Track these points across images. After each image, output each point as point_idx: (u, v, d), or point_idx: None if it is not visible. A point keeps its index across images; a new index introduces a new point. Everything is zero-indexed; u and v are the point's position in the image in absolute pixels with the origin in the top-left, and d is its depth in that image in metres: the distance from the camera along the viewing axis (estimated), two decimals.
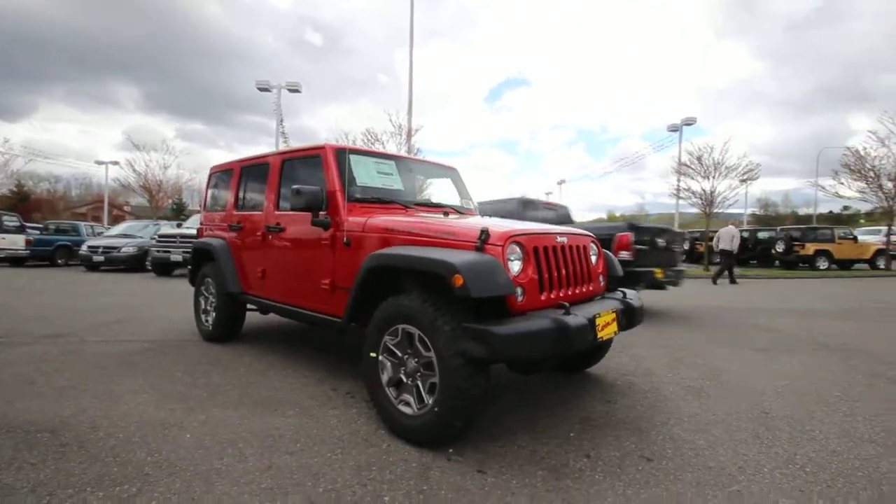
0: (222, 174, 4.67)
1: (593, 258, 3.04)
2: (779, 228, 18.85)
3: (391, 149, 15.47)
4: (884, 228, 22.93)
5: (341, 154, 3.27)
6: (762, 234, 19.32)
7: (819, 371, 3.74)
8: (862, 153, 15.26)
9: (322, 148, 3.29)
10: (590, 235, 3.09)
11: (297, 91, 20.89)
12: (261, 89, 20.62)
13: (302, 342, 4.52)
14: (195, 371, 3.50)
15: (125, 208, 48.16)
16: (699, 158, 15.18)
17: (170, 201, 28.77)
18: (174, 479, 1.98)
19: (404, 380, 2.42)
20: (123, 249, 12.84)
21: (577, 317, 2.29)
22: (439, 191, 4.11)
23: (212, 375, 3.40)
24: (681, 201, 19.15)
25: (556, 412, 2.82)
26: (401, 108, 27.08)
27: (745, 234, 19.73)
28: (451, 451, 2.28)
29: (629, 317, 2.87)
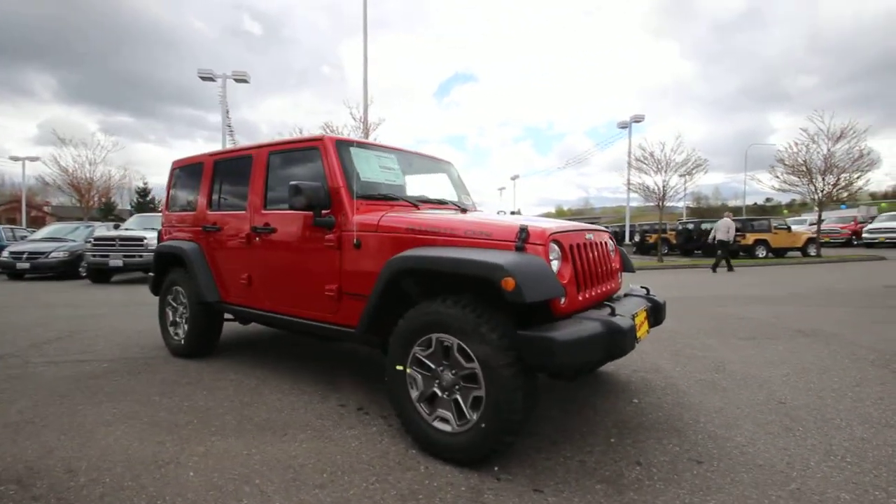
0: (188, 170, 4.19)
1: (612, 254, 2.96)
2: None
3: None
4: (807, 218, 25.17)
5: (342, 147, 2.98)
6: (706, 226, 20.49)
7: (808, 357, 3.89)
8: (794, 149, 16.51)
9: (320, 140, 2.98)
10: (607, 230, 3.01)
11: (244, 81, 19.74)
12: (204, 79, 19.27)
13: (287, 352, 4.16)
14: (175, 393, 3.09)
15: (45, 209, 43.75)
16: (652, 154, 15.82)
17: (101, 200, 26.39)
18: None
19: (439, 394, 2.21)
20: (53, 255, 11.53)
21: (625, 318, 2.18)
22: (427, 186, 3.87)
23: (196, 398, 3.01)
24: (631, 195, 19.96)
25: (586, 416, 2.71)
26: (347, 100, 26.24)
27: (691, 227, 20.91)
28: (496, 468, 2.11)
29: (656, 314, 2.82)
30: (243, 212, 3.44)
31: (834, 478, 2.03)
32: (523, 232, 2.17)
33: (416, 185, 3.76)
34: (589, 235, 2.62)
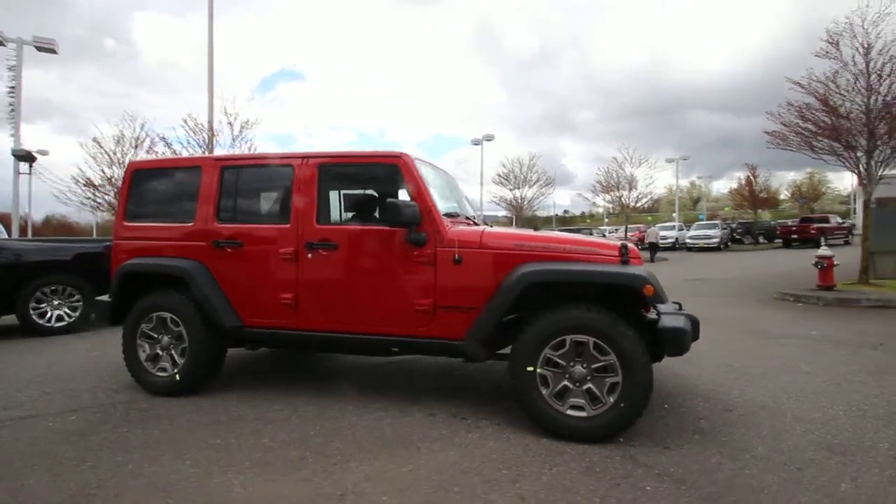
0: (169, 174, 3.62)
1: None
2: (559, 230, 23.94)
3: (227, 146, 13.15)
4: (605, 228, 31.66)
5: (420, 164, 3.09)
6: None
7: (710, 334, 5.14)
8: (607, 172, 20.88)
9: (399, 157, 3.03)
10: None
11: (51, 51, 15.71)
12: None
13: (295, 376, 3.88)
14: (233, 433, 2.74)
15: None
16: (512, 171, 18.11)
17: None
18: None
19: (570, 386, 2.59)
20: None
21: (692, 313, 2.91)
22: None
23: (270, 433, 2.74)
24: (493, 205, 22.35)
25: None
26: (132, 79, 22.93)
27: None
28: (621, 440, 2.59)
29: None
30: (286, 225, 3.18)
31: (803, 407, 3.08)
32: (625, 248, 2.72)
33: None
34: None
